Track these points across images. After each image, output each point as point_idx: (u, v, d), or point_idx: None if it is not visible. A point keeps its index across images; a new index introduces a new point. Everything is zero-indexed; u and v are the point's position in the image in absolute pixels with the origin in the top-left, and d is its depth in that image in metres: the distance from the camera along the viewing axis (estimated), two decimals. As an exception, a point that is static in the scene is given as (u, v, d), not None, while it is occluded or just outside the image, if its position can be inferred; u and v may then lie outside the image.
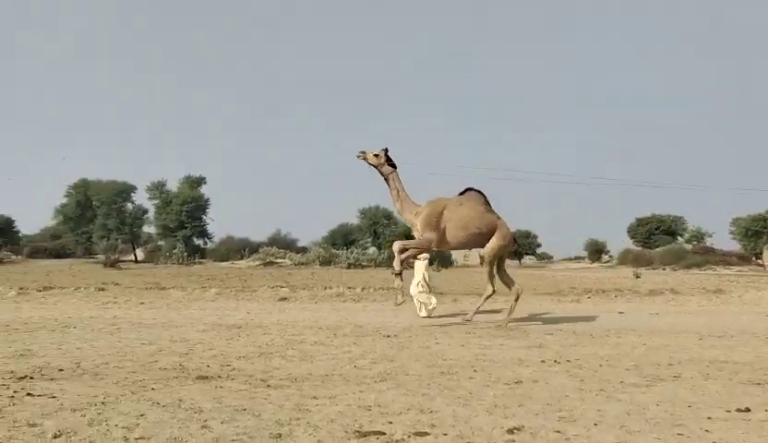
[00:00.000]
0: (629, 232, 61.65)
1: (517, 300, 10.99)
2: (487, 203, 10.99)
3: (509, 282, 11.26)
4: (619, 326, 10.49)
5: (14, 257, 47.13)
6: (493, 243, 10.72)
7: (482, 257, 11.12)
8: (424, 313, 11.79)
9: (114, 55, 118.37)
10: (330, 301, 15.00)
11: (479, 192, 11.04)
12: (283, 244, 49.73)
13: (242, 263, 43.67)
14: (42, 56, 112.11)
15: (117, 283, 18.54)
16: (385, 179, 10.88)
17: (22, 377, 5.76)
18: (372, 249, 45.81)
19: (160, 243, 54.34)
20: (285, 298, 15.20)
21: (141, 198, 53.98)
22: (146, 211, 53.88)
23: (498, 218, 10.95)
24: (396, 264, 10.26)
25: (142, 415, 4.43)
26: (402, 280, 10.25)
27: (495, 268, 11.13)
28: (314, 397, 5.08)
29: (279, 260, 43.56)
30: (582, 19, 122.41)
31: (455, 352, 7.67)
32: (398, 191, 10.78)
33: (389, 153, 10.85)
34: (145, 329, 9.58)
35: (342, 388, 5.49)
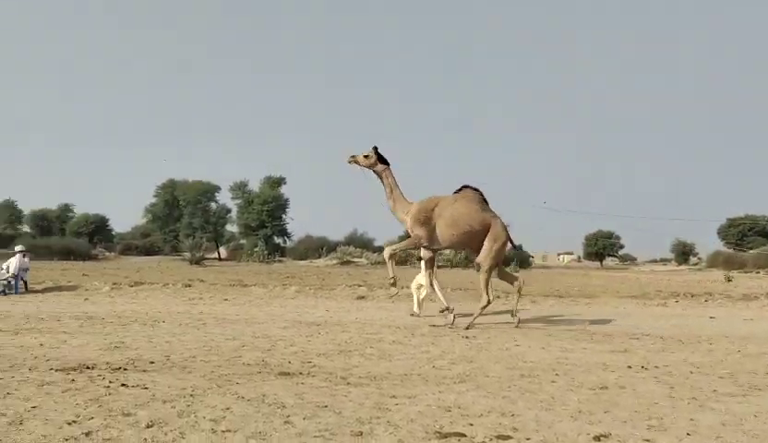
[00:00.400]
0: (719, 233, 58.64)
1: (520, 292, 10.84)
2: (484, 201, 10.66)
3: (510, 279, 11.10)
4: (711, 332, 9.99)
5: (107, 253, 49.76)
6: (486, 248, 10.29)
7: (478, 265, 10.51)
8: (417, 310, 11.86)
9: (197, 57, 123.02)
10: (407, 300, 14.98)
11: (476, 190, 10.75)
12: (360, 243, 50.23)
13: (320, 262, 44.38)
14: (141, 59, 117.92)
15: (202, 280, 19.20)
16: (379, 177, 10.81)
17: (117, 369, 6.05)
18: (447, 250, 45.49)
19: (242, 241, 56.10)
20: (363, 297, 15.31)
21: (225, 198, 55.89)
22: (229, 211, 55.74)
23: (494, 216, 10.57)
24: (390, 270, 10.56)
25: (228, 409, 4.56)
26: (396, 283, 10.71)
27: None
28: (393, 396, 5.09)
29: (356, 259, 44.01)
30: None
31: (535, 354, 7.51)
32: (391, 188, 10.70)
33: (378, 150, 10.75)
34: (229, 324, 9.88)
35: (422, 388, 5.47)
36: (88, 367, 6.04)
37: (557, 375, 6.21)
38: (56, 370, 5.91)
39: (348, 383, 5.61)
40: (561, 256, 79.95)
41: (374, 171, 10.78)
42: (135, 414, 4.35)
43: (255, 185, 54.60)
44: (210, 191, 55.27)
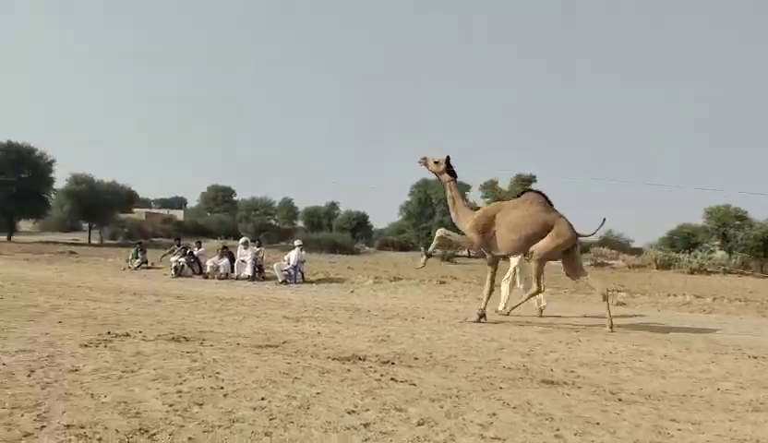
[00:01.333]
0: None
1: (606, 300, 10.27)
2: (548, 203, 10.48)
3: (591, 284, 10.73)
4: None
5: (367, 248, 53.71)
6: (545, 241, 10.12)
7: (531, 253, 10.33)
8: (501, 307, 11.75)
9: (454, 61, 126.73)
10: (673, 310, 13.73)
11: (539, 193, 10.72)
12: (616, 244, 47.44)
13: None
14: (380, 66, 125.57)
15: (455, 277, 19.64)
16: (443, 186, 11.21)
17: (385, 362, 6.37)
18: (719, 253, 40.71)
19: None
20: (623, 303, 14.33)
21: (475, 196, 56.80)
22: (478, 209, 56.52)
23: (559, 216, 10.29)
24: (431, 247, 11.28)
25: (494, 414, 4.51)
26: (425, 262, 11.16)
27: (568, 266, 10.55)
28: (673, 420, 4.60)
29: (610, 261, 41.60)
30: None
31: None
32: (454, 200, 11.03)
33: (450, 161, 10.98)
34: (485, 325, 9.90)
35: (707, 413, 4.87)
36: (360, 358, 6.45)
37: None
38: (333, 359, 6.39)
39: (619, 399, 5.21)
40: None
41: (440, 178, 11.22)
42: (406, 410, 4.51)
43: (505, 184, 54.61)
44: (460, 190, 56.61)
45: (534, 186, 53.31)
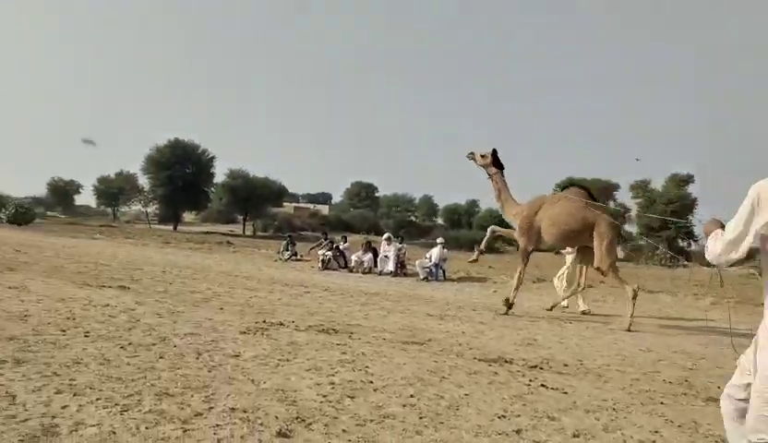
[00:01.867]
0: None
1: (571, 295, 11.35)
2: (592, 199, 10.61)
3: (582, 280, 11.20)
4: None
5: (507, 248, 52.90)
6: (597, 249, 10.09)
7: (599, 270, 10.23)
8: (571, 305, 12.13)
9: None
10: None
11: (584, 188, 10.97)
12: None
13: (731, 270, 39.43)
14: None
15: (602, 281, 18.72)
16: (490, 178, 11.31)
17: (533, 367, 6.17)
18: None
19: (641, 242, 53.48)
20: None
21: (624, 196, 54.17)
22: (628, 210, 53.73)
23: (598, 215, 10.28)
24: (483, 243, 11.70)
25: (657, 432, 4.21)
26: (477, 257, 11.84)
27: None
28: None
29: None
30: None
31: None
32: (500, 191, 11.24)
33: (497, 154, 11.17)
34: (640, 334, 9.32)
35: None
36: (506, 361, 6.31)
37: None
38: (479, 360, 6.30)
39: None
40: None
41: (486, 171, 11.34)
42: (559, 420, 4.33)
43: (658, 184, 51.60)
44: (608, 189, 54.11)
45: (691, 188, 50.07)
